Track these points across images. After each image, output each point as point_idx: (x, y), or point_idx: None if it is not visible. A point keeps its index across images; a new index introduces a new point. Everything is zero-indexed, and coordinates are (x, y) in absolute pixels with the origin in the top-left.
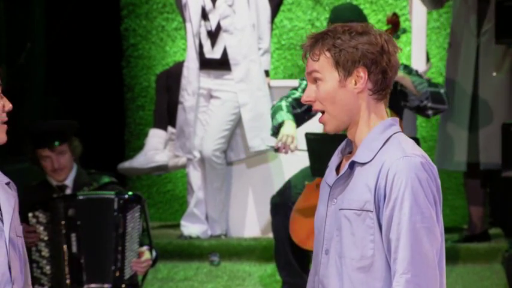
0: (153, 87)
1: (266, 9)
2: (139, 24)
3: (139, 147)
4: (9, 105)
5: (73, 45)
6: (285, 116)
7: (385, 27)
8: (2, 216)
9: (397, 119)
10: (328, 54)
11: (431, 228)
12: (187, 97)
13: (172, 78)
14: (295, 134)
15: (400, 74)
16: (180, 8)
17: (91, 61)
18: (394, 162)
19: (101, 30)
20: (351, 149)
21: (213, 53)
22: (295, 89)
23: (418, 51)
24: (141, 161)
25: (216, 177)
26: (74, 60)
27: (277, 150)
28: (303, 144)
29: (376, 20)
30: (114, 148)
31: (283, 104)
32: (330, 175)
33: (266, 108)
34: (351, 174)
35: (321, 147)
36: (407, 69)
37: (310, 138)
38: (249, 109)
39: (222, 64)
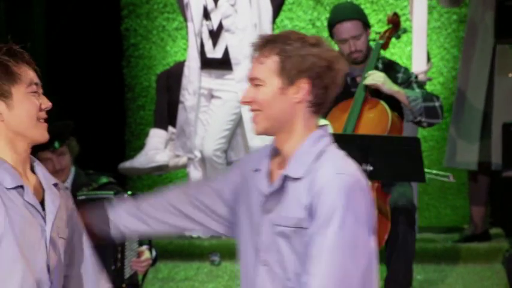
0: (153, 87)
1: (268, 9)
2: (139, 24)
3: (139, 147)
4: (47, 104)
5: (73, 45)
6: None
7: (385, 27)
8: (45, 216)
9: (328, 128)
10: (276, 58)
11: (358, 248)
12: (188, 97)
13: (173, 78)
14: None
15: (395, 88)
16: (182, 8)
17: (91, 61)
18: (326, 180)
19: (101, 30)
20: (277, 156)
21: (215, 53)
22: None
23: (419, 51)
24: (141, 161)
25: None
26: (74, 60)
27: None
28: None
29: (377, 19)
30: (115, 148)
31: None
32: (262, 182)
33: None
34: (283, 188)
35: None
36: (407, 74)
37: None
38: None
39: (223, 64)
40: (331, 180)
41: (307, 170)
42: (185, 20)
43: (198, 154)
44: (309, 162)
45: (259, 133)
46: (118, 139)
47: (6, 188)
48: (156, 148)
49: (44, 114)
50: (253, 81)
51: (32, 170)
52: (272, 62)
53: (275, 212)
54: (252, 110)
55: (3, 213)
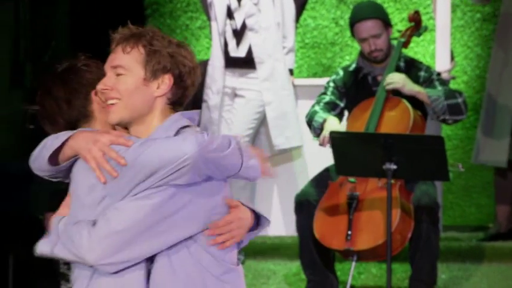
0: None
1: (291, 8)
2: (163, 23)
3: None
4: None
5: (97, 44)
6: (324, 115)
7: (407, 25)
8: None
9: (192, 112)
10: (142, 50)
11: None
12: (211, 96)
13: None
14: (341, 128)
15: (416, 89)
16: (205, 7)
17: None
18: None
19: None
20: None
21: (238, 52)
22: (324, 93)
23: (443, 49)
24: None
25: None
26: (98, 59)
27: (321, 144)
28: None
29: (400, 18)
30: None
31: (317, 108)
32: None
33: (290, 106)
34: None
35: (346, 146)
36: (429, 72)
37: (335, 136)
38: (274, 108)
39: (247, 63)
40: None
41: None
42: (208, 19)
43: None
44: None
45: (115, 122)
46: None
47: None
48: None
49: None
50: (116, 69)
51: None
52: (138, 53)
53: None
54: (110, 99)
55: None
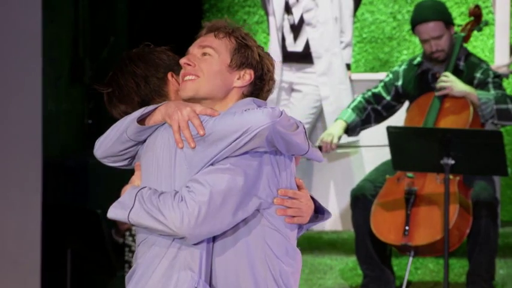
0: None
1: (348, 2)
2: (220, 18)
3: None
4: None
5: (155, 40)
6: (343, 113)
7: (467, 20)
8: None
9: (262, 102)
10: (233, 40)
11: None
12: None
13: None
14: (337, 133)
15: (467, 90)
16: (263, 2)
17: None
18: None
19: (182, 24)
20: None
21: (296, 46)
22: (380, 82)
23: (502, 44)
24: None
25: (297, 170)
26: None
27: (320, 148)
28: (379, 139)
29: (459, 12)
30: None
31: (358, 98)
32: None
33: (347, 101)
34: None
35: (403, 141)
36: (485, 75)
37: (392, 131)
38: (331, 102)
39: (304, 57)
40: None
41: None
42: (266, 14)
43: None
44: None
45: (189, 96)
46: None
47: None
48: None
49: None
50: (204, 48)
51: None
52: (229, 41)
53: None
54: (189, 75)
55: None
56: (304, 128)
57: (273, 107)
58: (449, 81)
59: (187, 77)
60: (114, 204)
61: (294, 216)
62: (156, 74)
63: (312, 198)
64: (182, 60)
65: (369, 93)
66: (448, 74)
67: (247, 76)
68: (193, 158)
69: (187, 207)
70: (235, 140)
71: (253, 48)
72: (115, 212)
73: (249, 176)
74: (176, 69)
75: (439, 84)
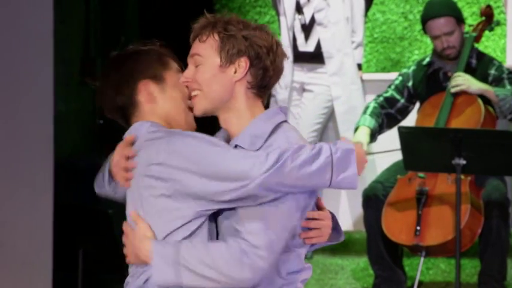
0: None
1: (360, 2)
2: None
3: None
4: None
5: (166, 39)
6: (362, 120)
7: (478, 20)
8: None
9: (284, 107)
10: (216, 37)
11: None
12: (279, 90)
13: None
14: (365, 141)
15: (483, 87)
16: (274, 2)
17: (184, 55)
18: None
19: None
20: (227, 138)
21: (307, 46)
22: (389, 86)
23: None
24: None
25: None
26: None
27: None
28: (393, 144)
29: (470, 12)
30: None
31: (372, 104)
32: None
33: (359, 101)
34: None
35: (414, 141)
36: (499, 71)
37: (403, 131)
38: (342, 102)
39: (316, 57)
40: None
41: (264, 142)
42: (277, 14)
43: None
44: (266, 134)
45: (199, 114)
46: (211, 131)
47: None
48: None
49: (191, 104)
50: (194, 58)
51: None
52: (213, 40)
53: None
54: (192, 90)
55: None
56: (332, 156)
57: (287, 142)
58: (465, 80)
59: (192, 93)
60: (156, 269)
61: (313, 237)
62: (128, 82)
63: (332, 216)
64: (180, 80)
65: (381, 99)
66: (461, 73)
67: (242, 64)
68: (176, 190)
69: (252, 261)
70: (236, 189)
71: (236, 34)
72: (163, 279)
73: (290, 210)
74: (157, 74)
75: (453, 83)
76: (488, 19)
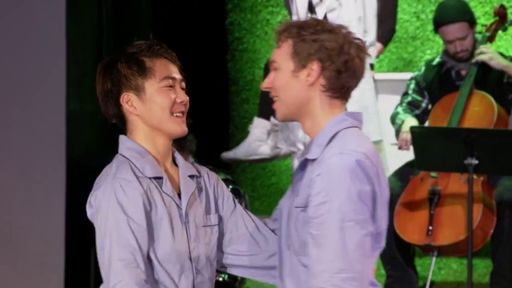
0: (257, 80)
1: (372, 2)
2: (244, 18)
3: (243, 140)
4: (183, 98)
5: (179, 40)
6: (403, 116)
7: (492, 19)
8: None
9: (356, 113)
10: (290, 42)
11: (358, 223)
12: None
13: None
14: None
15: (505, 63)
16: (287, 1)
17: (197, 55)
18: (327, 158)
19: (206, 24)
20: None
21: None
22: (406, 93)
23: None
24: (244, 151)
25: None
26: (179, 54)
27: (400, 148)
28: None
29: (483, 12)
30: (219, 141)
31: (399, 109)
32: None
33: (371, 101)
34: (304, 171)
35: (427, 140)
36: None
37: (415, 131)
38: (354, 102)
39: None
40: (331, 160)
41: (322, 151)
42: (289, 13)
43: (300, 147)
44: (324, 143)
45: (280, 120)
46: (222, 132)
47: (148, 177)
48: (260, 139)
49: (179, 108)
50: (272, 64)
51: (174, 161)
52: (287, 45)
53: (298, 195)
54: (273, 97)
55: (142, 205)
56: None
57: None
58: (490, 52)
59: (274, 99)
60: None
61: None
62: (112, 94)
63: None
64: (261, 86)
65: (404, 105)
66: (487, 46)
67: (314, 68)
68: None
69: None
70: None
71: (306, 38)
72: None
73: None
74: (138, 85)
75: (478, 51)
76: (502, 19)
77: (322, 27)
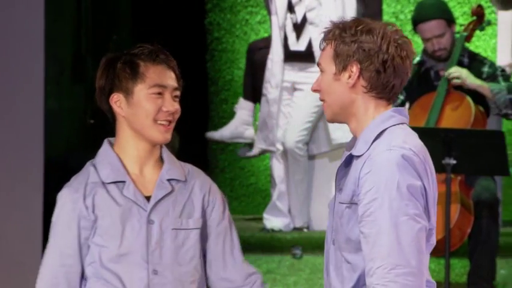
0: (236, 80)
1: (352, 2)
2: (223, 18)
3: (222, 140)
4: (170, 107)
5: (158, 39)
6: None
7: (469, 19)
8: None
9: (402, 109)
10: (332, 44)
11: (411, 218)
12: (270, 90)
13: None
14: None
15: (478, 82)
16: (266, 1)
17: (176, 54)
18: (375, 155)
19: (185, 24)
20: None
21: (298, 46)
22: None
23: (504, 43)
24: (229, 134)
25: (298, 169)
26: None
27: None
28: None
29: (461, 12)
30: (197, 141)
31: None
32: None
33: None
34: (349, 167)
35: None
36: (493, 68)
37: None
38: None
39: (307, 56)
40: (379, 157)
41: (368, 148)
42: (269, 13)
43: (280, 147)
44: (371, 140)
45: (328, 121)
46: (200, 132)
47: (104, 183)
48: (246, 123)
49: (164, 117)
50: (319, 67)
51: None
52: (330, 48)
53: (342, 191)
54: (321, 99)
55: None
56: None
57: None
58: (462, 74)
59: (321, 101)
60: None
61: None
62: (105, 93)
63: None
64: (311, 89)
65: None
66: (458, 68)
67: (353, 69)
68: None
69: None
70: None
71: (346, 40)
72: None
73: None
74: (128, 88)
75: (453, 74)
76: (480, 19)
77: (363, 27)
